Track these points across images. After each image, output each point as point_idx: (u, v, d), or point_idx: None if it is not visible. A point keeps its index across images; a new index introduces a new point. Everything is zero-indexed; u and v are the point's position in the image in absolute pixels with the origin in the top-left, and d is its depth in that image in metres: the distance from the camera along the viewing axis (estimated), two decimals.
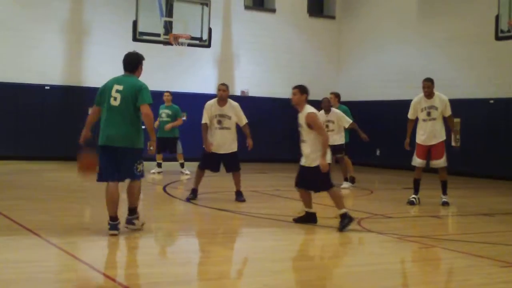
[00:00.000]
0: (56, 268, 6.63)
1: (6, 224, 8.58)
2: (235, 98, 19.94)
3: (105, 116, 8.19)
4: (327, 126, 13.47)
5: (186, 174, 15.87)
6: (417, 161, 11.84)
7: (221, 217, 10.13)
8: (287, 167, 18.68)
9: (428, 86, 11.81)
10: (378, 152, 20.89)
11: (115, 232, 8.02)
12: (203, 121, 11.29)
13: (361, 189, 14.38)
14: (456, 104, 19.06)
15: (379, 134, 20.55)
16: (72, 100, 19.43)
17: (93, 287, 5.83)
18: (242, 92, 21.36)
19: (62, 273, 6.43)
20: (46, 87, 19.13)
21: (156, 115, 15.54)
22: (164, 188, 13.18)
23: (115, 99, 8.19)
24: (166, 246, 8.19)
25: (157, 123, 15.75)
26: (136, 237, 8.30)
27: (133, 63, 8.65)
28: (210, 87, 21.19)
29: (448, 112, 11.79)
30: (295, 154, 19.23)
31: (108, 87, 8.29)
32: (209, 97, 20.46)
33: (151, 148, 8.25)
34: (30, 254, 6.96)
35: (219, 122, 11.32)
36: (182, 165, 16.31)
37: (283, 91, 21.54)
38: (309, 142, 9.01)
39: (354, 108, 21.87)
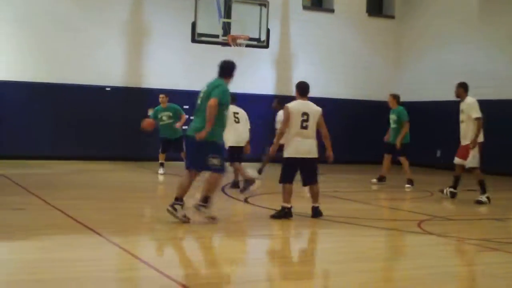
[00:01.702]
0: (116, 267, 6.73)
1: (68, 223, 8.74)
2: (293, 99, 19.96)
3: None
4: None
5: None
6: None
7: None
8: (346, 168, 18.57)
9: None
10: (438, 153, 20.56)
11: (169, 208, 8.83)
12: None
13: (421, 191, 14.17)
14: None
15: (440, 135, 20.24)
16: (132, 101, 19.69)
17: (152, 287, 5.87)
18: None
19: (122, 272, 6.51)
20: (107, 88, 19.43)
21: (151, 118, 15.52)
22: (222, 189, 13.20)
23: (200, 98, 9.19)
24: (226, 246, 8.20)
25: (151, 122, 15.49)
26: (196, 237, 8.35)
27: (222, 69, 9.60)
28: (268, 88, 21.22)
29: (473, 115, 12.08)
30: (354, 155, 19.09)
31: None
32: (267, 98, 20.62)
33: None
34: (91, 253, 7.07)
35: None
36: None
37: (342, 92, 21.48)
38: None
39: (414, 108, 21.66)
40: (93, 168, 16.99)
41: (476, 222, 10.36)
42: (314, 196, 9.73)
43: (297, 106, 9.66)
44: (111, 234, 7.91)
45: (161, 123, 15.69)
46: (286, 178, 9.56)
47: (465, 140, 12.11)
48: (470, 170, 12.11)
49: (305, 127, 9.48)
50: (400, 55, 23.06)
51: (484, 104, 18.85)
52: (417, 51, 22.34)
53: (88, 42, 19.23)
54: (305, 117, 9.53)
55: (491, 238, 8.64)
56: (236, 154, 12.84)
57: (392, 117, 14.98)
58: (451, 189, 12.47)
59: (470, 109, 12.07)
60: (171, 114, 15.74)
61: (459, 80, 19.62)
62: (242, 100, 20.17)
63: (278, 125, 14.43)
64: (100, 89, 19.33)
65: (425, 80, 21.79)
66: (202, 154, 8.78)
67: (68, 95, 19.03)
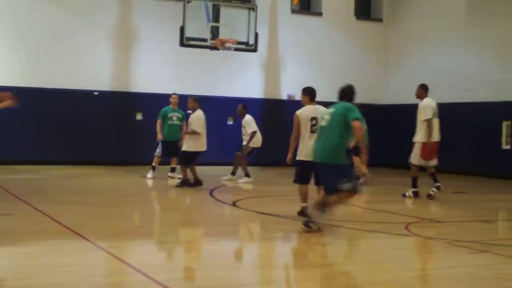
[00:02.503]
0: (104, 272, 6.71)
1: (56, 228, 8.71)
2: (282, 102, 19.99)
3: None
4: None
5: (178, 178, 15.04)
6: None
7: (265, 221, 10.12)
8: None
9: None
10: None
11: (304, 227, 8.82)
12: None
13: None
14: (508, 106, 18.87)
15: None
16: (121, 105, 19.66)
17: None
18: (289, 96, 21.33)
19: (110, 277, 6.50)
20: (95, 93, 19.39)
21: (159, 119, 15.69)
22: (210, 192, 13.22)
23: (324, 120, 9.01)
24: (214, 250, 8.19)
25: (159, 122, 15.60)
26: (185, 241, 8.34)
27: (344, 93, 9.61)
28: (256, 92, 21.23)
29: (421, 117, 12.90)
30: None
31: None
32: (255, 101, 20.65)
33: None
34: (80, 258, 7.05)
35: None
36: (173, 170, 15.90)
37: (331, 95, 21.36)
38: None
39: (402, 111, 21.75)
40: (81, 172, 16.95)
41: (463, 224, 10.39)
42: (302, 196, 10.03)
43: (305, 112, 9.97)
44: (99, 239, 7.89)
45: (169, 122, 15.60)
46: (299, 180, 9.96)
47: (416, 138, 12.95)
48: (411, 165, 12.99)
49: (315, 131, 9.64)
50: (388, 58, 23.13)
51: (472, 106, 19.14)
52: (405, 54, 22.42)
53: (76, 47, 19.19)
54: (314, 122, 9.82)
55: (479, 240, 8.66)
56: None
57: None
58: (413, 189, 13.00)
59: (421, 110, 12.89)
60: (180, 116, 15.72)
61: (447, 82, 19.94)
62: (230, 103, 20.27)
63: (244, 130, 15.79)
64: (88, 94, 19.28)
65: (413, 82, 21.68)
66: (335, 177, 8.63)
67: (56, 99, 18.97)
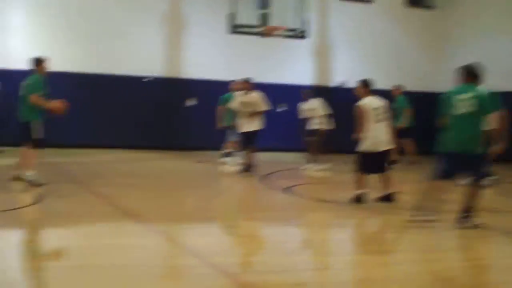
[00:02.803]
0: (161, 254, 6.77)
1: (114, 210, 8.83)
2: (332, 89, 19.89)
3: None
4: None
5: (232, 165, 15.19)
6: None
7: (319, 207, 10.09)
8: None
9: None
10: None
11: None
12: None
13: None
14: None
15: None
16: (171, 91, 19.79)
17: (194, 274, 5.89)
18: (339, 83, 21.18)
19: (167, 259, 6.57)
20: (146, 79, 19.55)
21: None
22: (264, 179, 13.21)
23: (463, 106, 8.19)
24: (271, 235, 8.20)
25: (221, 109, 15.52)
26: (242, 226, 8.38)
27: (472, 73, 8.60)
28: (306, 79, 21.14)
29: None
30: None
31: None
32: (304, 88, 20.57)
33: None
34: (137, 240, 7.12)
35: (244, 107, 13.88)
36: (229, 154, 15.67)
37: (381, 83, 21.22)
38: None
39: None
40: (136, 157, 17.12)
41: None
42: (386, 183, 10.02)
43: (368, 102, 10.00)
44: (156, 222, 7.97)
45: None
46: (364, 169, 9.91)
47: None
48: None
49: (379, 121, 9.88)
50: (440, 45, 22.76)
51: None
52: (458, 41, 22.03)
53: (128, 33, 19.35)
54: (378, 112, 9.95)
55: None
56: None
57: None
58: None
59: None
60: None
61: (502, 71, 19.49)
62: (279, 90, 20.23)
63: (311, 113, 15.63)
64: (139, 79, 19.45)
65: None
66: (475, 168, 8.20)
67: (108, 85, 19.19)
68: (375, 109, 9.95)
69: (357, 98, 10.14)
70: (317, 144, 15.55)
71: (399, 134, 14.77)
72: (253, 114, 13.82)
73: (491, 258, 7.25)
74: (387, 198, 10.01)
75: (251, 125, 13.83)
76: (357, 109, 9.96)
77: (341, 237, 8.31)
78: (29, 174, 10.53)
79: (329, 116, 15.66)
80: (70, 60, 18.79)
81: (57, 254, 6.55)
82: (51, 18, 18.75)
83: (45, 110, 10.81)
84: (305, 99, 15.93)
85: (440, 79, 22.55)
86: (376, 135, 9.84)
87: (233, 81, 15.90)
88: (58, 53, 18.74)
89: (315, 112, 15.62)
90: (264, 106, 13.97)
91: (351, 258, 7.06)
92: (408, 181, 12.74)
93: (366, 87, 10.21)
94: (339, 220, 9.25)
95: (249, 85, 14.09)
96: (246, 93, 14.02)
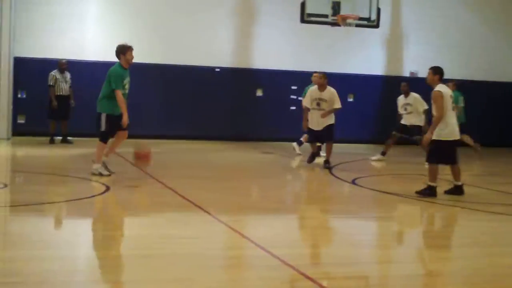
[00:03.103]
0: (223, 245, 6.82)
1: (178, 201, 8.92)
2: (404, 79, 19.55)
3: None
4: (405, 109, 15.01)
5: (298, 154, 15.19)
6: None
7: (386, 199, 9.96)
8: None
9: None
10: None
11: None
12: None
13: None
14: None
15: None
16: (241, 81, 19.85)
17: (259, 265, 5.90)
18: (411, 73, 20.82)
19: (229, 250, 6.60)
20: (216, 69, 19.68)
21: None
22: (330, 170, 13.13)
23: None
24: (334, 227, 8.15)
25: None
26: (305, 217, 8.35)
27: None
28: (378, 68, 20.87)
29: None
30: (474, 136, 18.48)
31: None
32: (376, 78, 20.33)
33: None
34: (200, 230, 7.19)
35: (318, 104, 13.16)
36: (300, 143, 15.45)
37: (457, 73, 20.75)
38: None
39: None
40: (202, 148, 17.27)
41: None
42: (457, 174, 9.93)
43: (445, 90, 9.80)
44: (219, 213, 8.01)
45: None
46: (439, 159, 9.73)
47: None
48: None
49: (453, 109, 9.85)
50: None
51: None
52: None
53: (198, 24, 19.49)
54: (452, 100, 9.81)
55: None
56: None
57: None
58: None
59: None
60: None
61: None
62: (351, 80, 20.04)
63: (410, 108, 15.05)
64: (209, 70, 19.60)
65: None
66: None
67: (179, 76, 19.40)
68: (451, 96, 9.80)
69: (430, 87, 9.95)
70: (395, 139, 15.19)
71: None
72: (327, 113, 13.22)
73: None
74: (458, 190, 9.82)
75: (326, 121, 13.29)
76: (438, 94, 9.65)
77: (408, 230, 8.19)
78: (95, 167, 10.65)
79: (425, 111, 14.87)
80: (144, 52, 19.07)
81: (123, 243, 6.68)
82: (124, 11, 19.05)
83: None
84: (405, 94, 15.25)
85: None
86: (454, 122, 9.71)
87: (315, 72, 15.64)
88: (130, 43, 19.09)
89: (412, 107, 15.02)
90: (338, 104, 13.31)
91: (416, 251, 6.94)
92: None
93: (438, 74, 9.94)
94: (407, 213, 9.11)
95: (325, 80, 13.40)
96: (320, 89, 13.34)
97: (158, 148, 16.52)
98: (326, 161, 13.25)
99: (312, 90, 13.48)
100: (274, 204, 9.36)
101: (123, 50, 10.97)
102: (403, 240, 7.58)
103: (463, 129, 16.10)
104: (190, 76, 19.40)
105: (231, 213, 8.27)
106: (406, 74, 20.96)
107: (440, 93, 9.62)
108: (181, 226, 7.38)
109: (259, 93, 19.59)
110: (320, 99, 13.26)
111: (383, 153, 15.19)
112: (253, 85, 19.82)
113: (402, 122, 15.16)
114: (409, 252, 6.90)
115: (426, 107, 14.62)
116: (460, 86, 16.91)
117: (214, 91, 19.59)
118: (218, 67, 19.71)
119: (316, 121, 13.26)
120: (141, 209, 8.37)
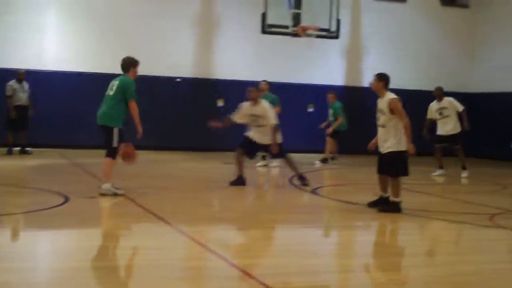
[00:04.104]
0: (184, 256, 6.80)
1: (139, 212, 8.87)
2: (363, 89, 19.76)
3: None
4: (440, 113, 14.58)
5: (272, 165, 15.23)
6: None
7: (346, 210, 10.04)
8: (416, 160, 18.25)
9: None
10: None
11: None
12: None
13: (494, 184, 13.85)
14: None
15: None
16: (202, 92, 19.85)
17: (220, 276, 5.90)
18: (371, 84, 21.01)
19: (190, 261, 6.58)
20: (177, 80, 19.64)
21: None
22: (290, 180, 13.20)
23: None
24: (293, 237, 8.18)
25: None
26: (264, 227, 8.37)
27: None
28: (338, 79, 21.06)
29: None
30: (425, 147, 18.77)
31: None
32: (336, 88, 20.50)
33: None
34: (161, 241, 7.16)
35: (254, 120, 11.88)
36: (271, 156, 14.93)
37: (414, 83, 21.09)
38: (388, 128, 9.26)
39: (488, 100, 21.16)
40: (164, 158, 17.21)
41: None
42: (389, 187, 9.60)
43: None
44: (180, 224, 8.00)
45: None
46: (407, 171, 9.35)
47: None
48: None
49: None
50: (474, 45, 22.50)
51: None
52: (492, 41, 21.75)
53: (159, 34, 19.46)
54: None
55: None
56: None
57: None
58: None
59: None
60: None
61: None
62: (311, 90, 20.19)
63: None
64: (171, 80, 19.56)
65: (501, 70, 21.20)
66: None
67: (140, 86, 19.25)
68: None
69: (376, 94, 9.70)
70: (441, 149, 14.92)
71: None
72: (273, 143, 11.78)
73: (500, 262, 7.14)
74: (385, 203, 9.54)
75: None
76: (397, 100, 9.29)
77: (367, 239, 8.26)
78: (105, 187, 9.97)
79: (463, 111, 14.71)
80: (103, 62, 18.97)
81: (84, 255, 6.61)
82: (84, 20, 18.93)
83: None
84: (438, 98, 14.93)
85: (474, 79, 22.32)
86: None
87: (264, 81, 15.79)
88: (90, 54, 18.99)
89: (448, 110, 14.67)
90: (272, 119, 11.78)
91: (376, 260, 7.01)
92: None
93: (383, 80, 9.66)
94: (367, 222, 9.18)
95: (257, 94, 12.07)
96: (252, 104, 11.97)
97: (118, 159, 16.42)
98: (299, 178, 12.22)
99: (244, 105, 12.07)
100: (235, 214, 9.37)
101: (134, 63, 10.94)
102: (363, 249, 7.64)
103: (341, 136, 16.74)
104: (151, 86, 19.31)
105: (192, 224, 8.26)
106: (366, 84, 21.16)
107: (397, 99, 9.32)
108: (142, 237, 7.34)
109: (220, 103, 19.59)
110: (253, 115, 11.91)
111: (441, 167, 14.95)
112: (214, 96, 19.84)
113: (439, 133, 14.80)
114: (369, 261, 6.96)
115: (462, 107, 14.65)
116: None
117: (176, 101, 19.56)
118: (179, 78, 19.68)
119: (258, 137, 11.99)
120: (101, 220, 8.30)
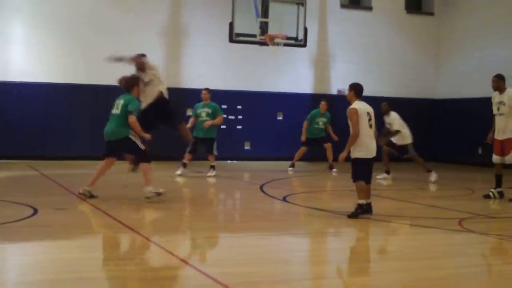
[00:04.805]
0: (155, 265, 6.76)
1: (109, 222, 8.82)
2: (331, 97, 19.87)
3: None
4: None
5: (211, 175, 15.21)
6: (493, 157, 12.09)
7: (316, 216, 10.07)
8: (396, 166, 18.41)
9: (493, 81, 12.12)
10: (480, 151, 20.27)
11: None
12: None
13: (462, 189, 14.01)
14: None
15: (481, 132, 19.93)
16: (172, 101, 19.71)
17: (191, 285, 5.89)
18: (339, 91, 21.19)
19: (161, 270, 6.54)
20: None
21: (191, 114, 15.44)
22: (261, 188, 13.23)
23: None
24: (264, 245, 8.18)
25: (192, 120, 15.46)
26: (235, 236, 8.36)
27: None
28: (306, 87, 21.16)
29: None
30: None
31: None
32: (304, 96, 20.60)
33: None
34: (131, 251, 7.13)
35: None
36: (213, 167, 15.40)
37: (381, 90, 21.28)
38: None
39: (455, 106, 21.43)
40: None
41: None
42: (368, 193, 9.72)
43: (362, 106, 9.61)
44: (151, 233, 7.96)
45: (199, 119, 15.46)
46: (361, 176, 9.51)
47: (504, 135, 11.84)
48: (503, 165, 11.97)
49: (371, 126, 9.58)
50: (439, 52, 22.79)
51: None
52: (457, 48, 22.05)
53: (127, 44, 19.33)
54: (369, 117, 9.57)
55: None
56: None
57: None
58: (498, 189, 12.13)
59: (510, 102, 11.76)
60: (210, 111, 15.50)
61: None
62: (279, 98, 20.25)
63: (389, 127, 15.43)
64: None
65: (466, 76, 21.50)
66: None
67: (107, 96, 19.18)
68: (368, 114, 9.57)
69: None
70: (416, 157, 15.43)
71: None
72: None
73: (489, 265, 7.22)
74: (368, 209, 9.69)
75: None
76: (352, 111, 9.53)
77: (337, 246, 8.30)
78: (148, 189, 10.68)
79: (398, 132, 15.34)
80: (69, 72, 18.85)
81: (54, 267, 6.54)
82: (48, 31, 18.79)
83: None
84: (384, 112, 15.49)
85: (440, 86, 22.61)
86: (369, 141, 9.52)
87: (206, 89, 15.81)
88: (55, 65, 18.84)
89: (392, 126, 15.35)
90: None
91: (346, 267, 7.04)
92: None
93: (353, 90, 9.78)
94: (337, 229, 9.22)
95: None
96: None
97: (88, 169, 16.29)
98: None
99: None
100: (206, 223, 9.35)
101: (137, 82, 11.41)
102: (334, 256, 7.67)
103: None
104: (118, 96, 19.19)
105: (162, 233, 8.22)
106: (334, 92, 21.33)
107: (354, 109, 9.48)
108: (113, 248, 7.30)
109: (189, 112, 19.54)
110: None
111: (387, 172, 15.46)
112: (182, 105, 19.77)
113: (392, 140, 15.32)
114: (338, 267, 6.98)
115: (398, 128, 15.09)
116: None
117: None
118: None
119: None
120: (71, 232, 8.21)
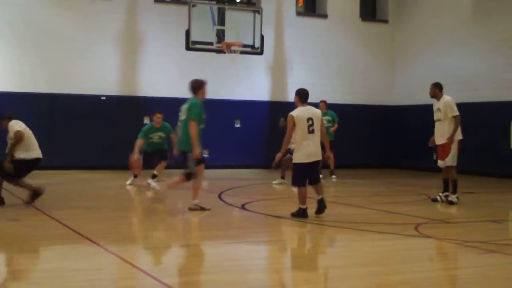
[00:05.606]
0: (114, 276, 6.70)
1: (65, 233, 8.71)
2: (288, 105, 19.98)
3: None
4: None
5: (155, 187, 14.66)
6: (438, 162, 12.59)
7: (275, 224, 10.10)
8: (345, 173, 18.55)
9: (430, 89, 13.05)
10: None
11: None
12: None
13: (418, 194, 14.20)
14: None
15: None
16: (128, 109, 19.67)
17: None
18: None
19: (119, 281, 6.49)
20: (102, 98, 19.41)
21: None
22: (219, 196, 13.21)
23: None
24: (224, 253, 8.17)
25: (141, 142, 14.83)
26: (194, 245, 8.33)
27: None
28: (263, 94, 21.22)
29: (450, 114, 12.27)
30: (352, 159, 19.05)
31: None
32: (261, 104, 20.65)
33: None
34: (89, 262, 7.04)
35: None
36: (154, 176, 14.92)
37: (338, 97, 21.47)
38: None
39: (410, 112, 21.72)
40: (89, 177, 16.95)
41: (472, 225, 10.35)
42: (319, 190, 10.19)
43: (301, 112, 10.04)
44: (108, 243, 7.89)
45: (150, 141, 15.01)
46: (300, 182, 10.07)
47: (442, 139, 12.26)
48: (447, 168, 12.25)
49: (312, 131, 9.94)
50: (394, 59, 23.10)
51: (480, 106, 19.07)
52: (412, 55, 22.38)
53: (83, 52, 19.22)
54: (310, 122, 9.95)
55: (489, 240, 8.61)
56: None
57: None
58: (445, 193, 12.43)
59: (447, 107, 12.29)
60: (163, 135, 15.09)
61: (454, 82, 19.90)
62: (236, 106, 20.28)
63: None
64: (95, 98, 19.31)
65: (420, 83, 21.76)
66: None
67: (62, 105, 19.01)
68: (308, 119, 9.96)
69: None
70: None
71: None
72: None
73: (445, 269, 7.32)
74: (321, 204, 10.15)
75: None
76: (289, 118, 10.03)
77: (295, 252, 8.33)
78: (194, 202, 10.89)
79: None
80: (25, 81, 18.60)
81: (10, 279, 6.44)
82: (3, 39, 18.53)
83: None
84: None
85: (395, 92, 22.90)
86: (309, 144, 9.94)
87: (156, 113, 15.33)
88: (12, 73, 18.58)
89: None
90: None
91: (305, 273, 7.06)
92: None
93: (297, 95, 10.28)
94: (295, 235, 9.26)
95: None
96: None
97: (44, 179, 16.07)
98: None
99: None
100: (164, 232, 9.31)
101: (201, 84, 11.24)
102: (292, 263, 7.70)
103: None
104: (76, 104, 19.05)
105: (120, 243, 8.16)
106: (291, 99, 21.36)
107: (291, 116, 9.98)
108: (70, 259, 7.20)
109: (146, 120, 19.44)
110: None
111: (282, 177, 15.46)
112: (140, 113, 19.66)
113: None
114: (297, 274, 7.00)
115: None
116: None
117: (101, 119, 19.31)
118: (104, 96, 19.45)
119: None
120: (26, 243, 8.09)
